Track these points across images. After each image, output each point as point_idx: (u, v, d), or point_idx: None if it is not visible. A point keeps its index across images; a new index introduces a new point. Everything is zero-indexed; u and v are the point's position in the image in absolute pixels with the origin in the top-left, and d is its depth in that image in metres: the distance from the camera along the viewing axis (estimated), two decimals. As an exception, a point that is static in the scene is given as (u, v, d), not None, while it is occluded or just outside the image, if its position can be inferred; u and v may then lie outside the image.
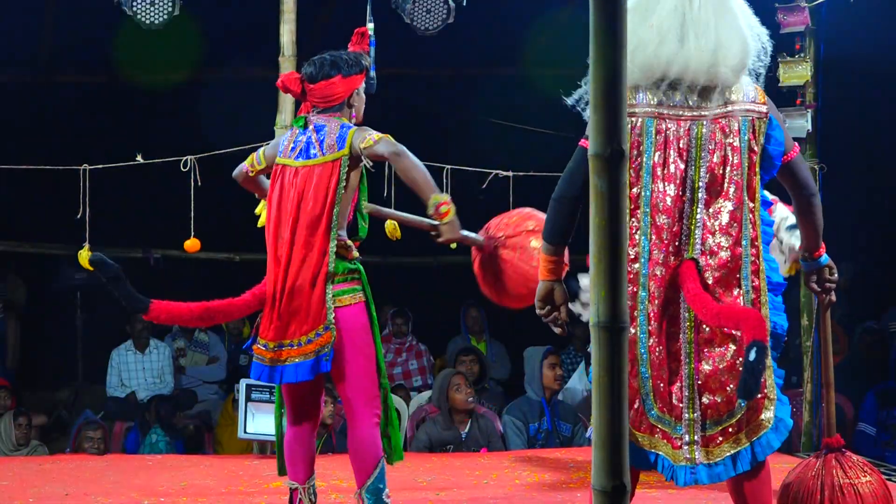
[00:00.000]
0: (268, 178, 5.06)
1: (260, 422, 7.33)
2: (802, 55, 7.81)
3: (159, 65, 9.94)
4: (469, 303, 10.08)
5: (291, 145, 4.88)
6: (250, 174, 5.06)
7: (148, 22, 7.34)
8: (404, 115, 10.90)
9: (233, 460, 7.43)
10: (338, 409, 7.98)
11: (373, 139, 4.74)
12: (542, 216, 4.63)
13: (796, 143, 3.97)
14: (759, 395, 3.75)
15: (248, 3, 9.33)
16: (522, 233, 5.11)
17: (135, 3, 7.29)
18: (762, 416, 3.77)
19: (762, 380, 3.66)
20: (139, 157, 7.82)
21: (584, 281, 4.58)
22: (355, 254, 4.85)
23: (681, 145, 3.75)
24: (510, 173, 8.33)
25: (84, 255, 7.76)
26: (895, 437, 8.55)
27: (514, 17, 9.56)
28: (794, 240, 5.19)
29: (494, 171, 8.25)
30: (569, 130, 4.67)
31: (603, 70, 2.57)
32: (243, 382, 7.43)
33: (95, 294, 10.62)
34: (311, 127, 4.86)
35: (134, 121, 10.60)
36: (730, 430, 3.76)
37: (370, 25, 7.13)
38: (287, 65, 7.38)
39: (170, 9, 7.33)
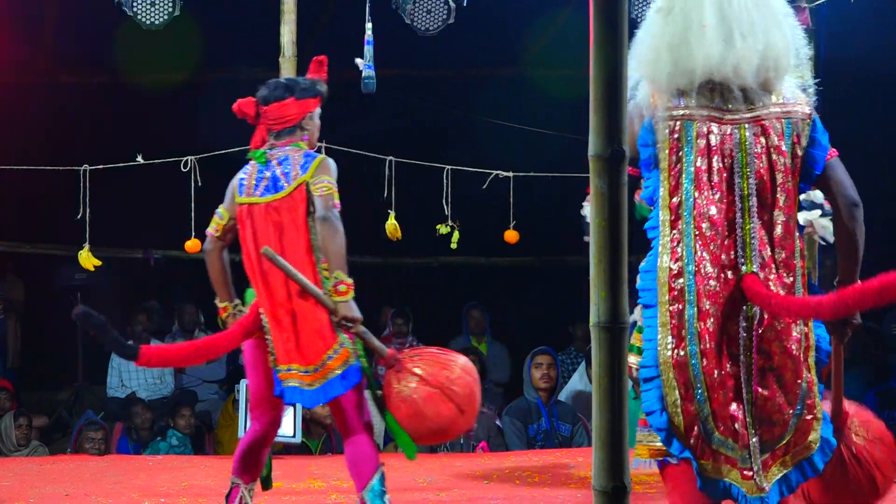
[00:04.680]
0: (235, 239, 4.95)
1: (260, 422, 7.30)
2: (802, 55, 7.79)
3: (159, 65, 9.93)
4: (471, 304, 10.08)
5: (254, 182, 4.80)
6: (216, 235, 4.92)
7: (148, 22, 7.35)
8: (404, 116, 10.91)
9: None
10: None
11: (321, 190, 4.67)
12: (458, 375, 4.65)
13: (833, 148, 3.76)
14: (809, 416, 3.59)
15: (248, 3, 9.33)
16: (417, 375, 4.73)
17: (135, 4, 7.30)
18: (810, 438, 3.60)
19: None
20: (139, 158, 7.82)
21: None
22: None
23: (724, 150, 3.55)
24: (510, 173, 8.31)
25: (84, 256, 7.76)
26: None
27: (514, 17, 9.56)
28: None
29: (495, 172, 8.24)
30: (569, 130, 4.67)
31: (603, 71, 2.57)
32: (244, 382, 7.41)
33: (95, 294, 10.61)
34: (274, 161, 4.80)
35: (134, 121, 10.60)
36: (778, 452, 3.59)
37: (368, 25, 7.14)
38: (287, 65, 7.38)
39: (170, 9, 7.33)
